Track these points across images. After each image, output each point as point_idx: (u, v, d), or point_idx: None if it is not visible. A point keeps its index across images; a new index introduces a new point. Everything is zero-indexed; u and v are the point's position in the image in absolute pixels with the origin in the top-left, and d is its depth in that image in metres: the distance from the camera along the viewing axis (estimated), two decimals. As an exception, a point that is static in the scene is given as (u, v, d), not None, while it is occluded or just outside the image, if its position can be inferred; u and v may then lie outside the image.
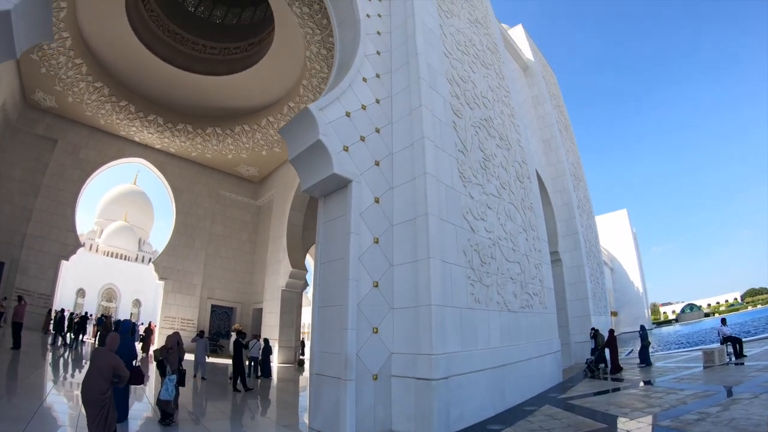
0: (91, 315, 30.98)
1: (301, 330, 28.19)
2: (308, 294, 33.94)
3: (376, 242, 10.18)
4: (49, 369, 14.60)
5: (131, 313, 67.15)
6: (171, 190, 29.78)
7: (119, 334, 7.17)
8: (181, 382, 9.55)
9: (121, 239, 78.66)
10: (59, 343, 21.62)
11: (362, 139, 10.89)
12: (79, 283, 64.19)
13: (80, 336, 23.00)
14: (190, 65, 24.83)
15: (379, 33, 13.69)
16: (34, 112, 25.58)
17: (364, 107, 11.39)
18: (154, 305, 25.62)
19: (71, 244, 25.35)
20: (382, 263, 10.15)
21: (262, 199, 31.69)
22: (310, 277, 25.88)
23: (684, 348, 29.24)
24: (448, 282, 9.98)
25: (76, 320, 23.56)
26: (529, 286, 14.52)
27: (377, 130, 11.49)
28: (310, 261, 31.73)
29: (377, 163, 11.01)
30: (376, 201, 10.58)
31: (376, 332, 9.54)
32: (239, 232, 31.49)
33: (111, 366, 6.38)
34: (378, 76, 12.58)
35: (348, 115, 10.73)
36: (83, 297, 64.81)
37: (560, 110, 33.40)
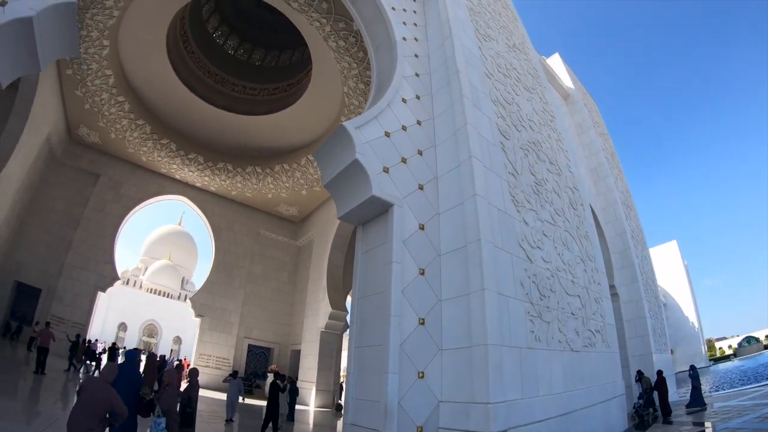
0: (102, 342, 30.28)
1: (341, 373, 26.83)
2: (346, 336, 32.60)
3: (422, 273, 8.82)
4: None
5: (171, 350, 67.92)
6: (211, 228, 29.33)
7: (125, 364, 6.19)
8: (187, 423, 8.42)
9: (165, 277, 79.67)
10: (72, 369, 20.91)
11: (404, 160, 9.70)
12: (121, 318, 65.83)
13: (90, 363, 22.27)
14: (231, 105, 24.72)
15: (416, 56, 12.77)
16: (78, 146, 26.04)
17: (404, 128, 10.26)
18: (193, 343, 25.14)
19: (108, 276, 25.25)
20: (428, 298, 8.75)
21: (302, 239, 30.78)
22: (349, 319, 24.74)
23: (754, 384, 26.27)
24: (505, 318, 8.49)
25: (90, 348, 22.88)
26: (590, 322, 12.81)
27: (420, 153, 10.29)
28: (350, 303, 30.44)
29: (421, 187, 9.76)
30: (421, 228, 9.28)
31: (422, 377, 8.08)
32: (278, 272, 30.55)
33: (104, 400, 5.34)
34: (418, 97, 11.51)
35: (387, 135, 9.62)
36: (125, 331, 66.15)
37: (605, 138, 31.74)
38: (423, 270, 8.88)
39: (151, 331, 69.08)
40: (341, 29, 17.08)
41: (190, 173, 27.81)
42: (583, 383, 11.44)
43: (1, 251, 22.30)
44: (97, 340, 25.67)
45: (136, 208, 27.41)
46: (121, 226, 26.56)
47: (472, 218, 8.88)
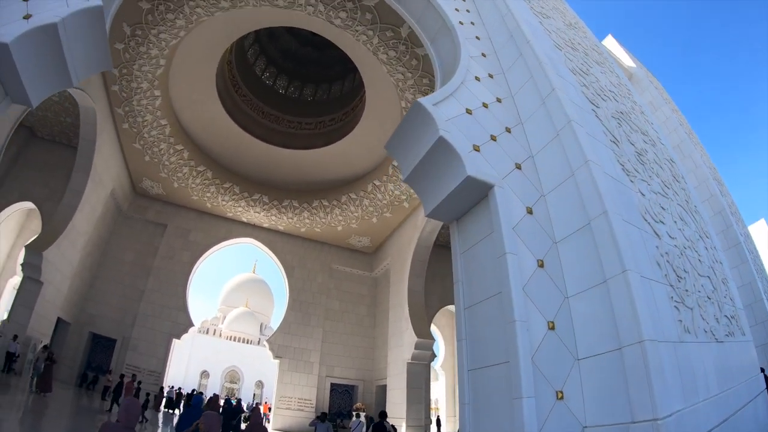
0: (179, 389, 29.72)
1: (431, 407, 24.72)
2: (435, 366, 30.47)
3: (541, 266, 6.98)
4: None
5: (254, 394, 67.77)
6: (282, 267, 28.27)
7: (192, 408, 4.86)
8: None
9: (243, 324, 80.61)
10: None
11: (493, 138, 8.07)
12: (203, 366, 66.18)
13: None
14: (289, 142, 24.02)
15: (478, 38, 11.49)
16: (143, 199, 26.28)
17: (485, 105, 8.68)
18: (274, 386, 24.49)
19: (183, 323, 24.89)
20: (553, 295, 6.84)
21: (378, 270, 29.07)
22: (437, 348, 22.89)
23: None
24: (652, 306, 6.47)
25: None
26: (725, 306, 10.34)
27: (508, 130, 8.63)
28: (435, 330, 28.64)
29: (518, 167, 8.05)
30: (529, 212, 7.50)
31: (561, 398, 6.13)
32: (356, 306, 28.91)
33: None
34: (491, 76, 10.02)
35: (469, 112, 8.05)
36: (207, 378, 66.42)
37: (678, 114, 28.93)
38: (542, 261, 7.03)
39: (232, 377, 69.55)
40: (389, 38, 15.86)
41: (257, 214, 27.04)
42: (732, 380, 9.08)
43: (76, 304, 22.61)
44: (172, 387, 25.15)
45: (206, 254, 27.10)
46: (192, 272, 26.21)
47: (590, 188, 7.04)
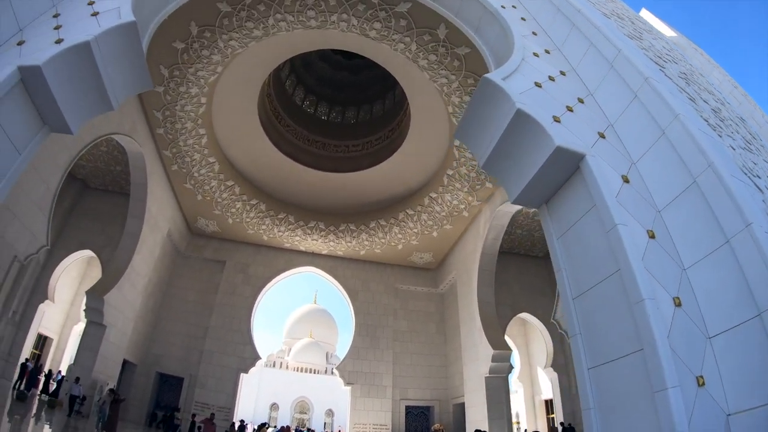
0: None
1: (513, 420, 23.29)
2: (510, 378, 28.77)
3: (652, 237, 6.15)
4: None
5: (324, 423, 67.60)
6: (346, 292, 27.79)
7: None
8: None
9: (309, 355, 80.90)
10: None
11: (569, 109, 7.40)
12: (272, 398, 66.72)
13: None
14: (338, 166, 23.80)
15: (523, 19, 11.00)
16: (199, 238, 26.83)
17: (552, 78, 8.06)
18: (346, 414, 23.96)
19: (249, 357, 24.93)
20: (670, 268, 5.97)
21: (444, 285, 27.95)
22: (513, 359, 21.62)
23: None
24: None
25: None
26: None
27: (580, 101, 7.92)
28: (508, 341, 27.34)
29: (602, 135, 7.30)
30: (626, 180, 6.70)
31: (703, 384, 5.22)
32: (425, 324, 27.89)
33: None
34: (547, 51, 9.55)
35: (538, 85, 7.44)
36: (277, 411, 66.79)
37: (730, 78, 26.90)
38: (651, 232, 6.20)
39: (302, 407, 69.64)
40: (428, 42, 15.35)
41: (314, 242, 26.79)
42: None
43: (141, 346, 23.13)
44: (242, 422, 24.95)
45: (267, 286, 27.10)
46: (255, 306, 26.27)
47: (688, 143, 6.25)
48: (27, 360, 20.22)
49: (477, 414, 21.23)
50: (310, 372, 77.90)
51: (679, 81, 9.26)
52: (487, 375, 20.68)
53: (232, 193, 23.43)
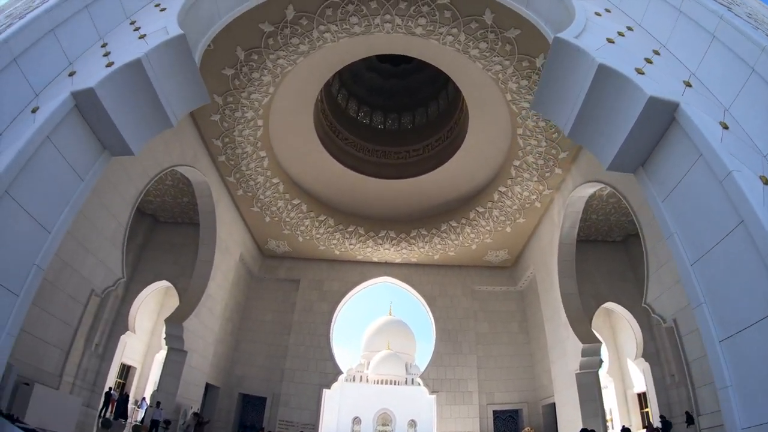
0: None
1: (606, 417, 21.60)
2: (600, 373, 26.81)
3: (766, 183, 5.28)
4: None
5: None
6: (423, 299, 27.23)
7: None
8: None
9: (388, 366, 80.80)
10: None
11: (648, 61, 6.68)
12: (354, 412, 66.80)
13: None
14: (401, 172, 23.48)
15: None
16: (271, 260, 27.37)
17: (621, 34, 7.40)
18: (429, 423, 23.29)
19: (331, 372, 24.98)
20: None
21: (522, 282, 26.81)
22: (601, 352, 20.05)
23: None
24: None
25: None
26: None
27: (656, 53, 7.16)
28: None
29: (688, 84, 6.50)
30: (724, 127, 5.87)
31: None
32: (507, 325, 26.78)
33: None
34: (608, 11, 8.80)
35: (611, 41, 6.79)
36: (359, 424, 66.89)
37: None
38: (765, 177, 5.33)
39: (384, 419, 69.27)
40: (476, 30, 14.69)
41: (387, 251, 26.42)
42: None
43: (223, 369, 23.76)
44: None
45: (343, 300, 27.09)
46: (333, 321, 26.34)
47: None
48: (111, 389, 21.02)
49: (569, 414, 19.97)
50: (391, 384, 77.76)
51: (749, 20, 8.22)
52: (578, 371, 19.38)
53: (300, 212, 23.58)
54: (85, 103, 6.53)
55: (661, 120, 6.00)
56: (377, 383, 77.07)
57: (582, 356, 19.05)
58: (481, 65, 16.03)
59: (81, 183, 6.77)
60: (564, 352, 20.54)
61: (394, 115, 25.67)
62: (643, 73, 6.05)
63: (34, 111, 6.28)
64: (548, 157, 18.60)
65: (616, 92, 6.08)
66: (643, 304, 15.51)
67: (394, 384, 77.81)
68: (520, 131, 18.22)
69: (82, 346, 19.26)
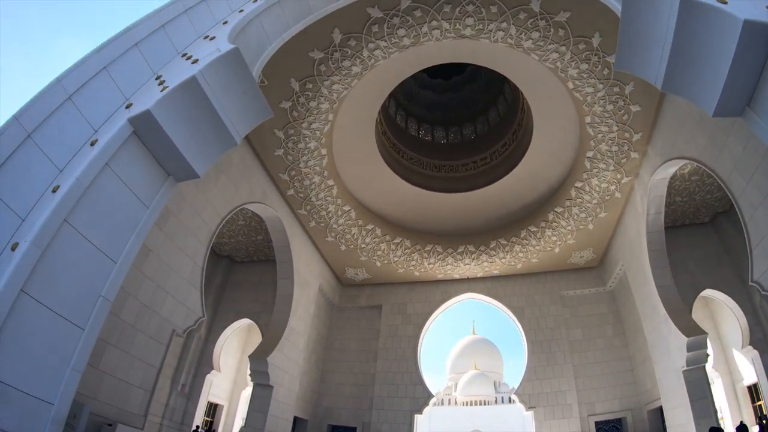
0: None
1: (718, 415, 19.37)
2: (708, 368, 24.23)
3: None
4: None
5: None
6: (510, 311, 26.03)
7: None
8: None
9: (476, 387, 79.10)
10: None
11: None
12: None
13: None
14: (472, 184, 23.04)
15: None
16: (351, 288, 27.30)
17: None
18: None
19: (421, 396, 24.08)
20: None
21: (612, 281, 24.96)
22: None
23: None
24: None
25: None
26: None
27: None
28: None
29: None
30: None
31: None
32: (601, 329, 24.95)
33: None
34: None
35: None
36: None
37: None
38: None
39: (476, 440, 66.70)
40: (525, 20, 14.22)
41: (467, 266, 25.65)
42: None
43: (310, 401, 23.76)
44: None
45: (428, 321, 26.41)
46: (419, 344, 25.68)
47: None
48: (198, 427, 21.41)
49: (680, 416, 18.11)
50: (480, 404, 75.69)
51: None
52: (685, 368, 17.59)
53: (375, 236, 23.51)
54: (143, 128, 6.56)
55: (761, 45, 5.26)
56: (466, 405, 75.38)
57: (687, 351, 17.32)
58: (537, 57, 15.46)
59: (146, 210, 6.77)
60: (668, 350, 18.81)
61: (455, 128, 25.53)
62: (725, 2, 5.36)
63: (92, 144, 6.33)
64: (621, 141, 17.51)
65: (705, 26, 5.43)
66: (750, 283, 13.83)
67: (484, 404, 75.76)
68: (588, 119, 17.29)
69: (169, 387, 19.84)
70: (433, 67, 21.97)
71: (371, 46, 14.90)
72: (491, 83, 24.47)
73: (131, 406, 12.77)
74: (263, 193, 18.90)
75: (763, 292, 13.13)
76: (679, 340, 17.59)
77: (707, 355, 17.91)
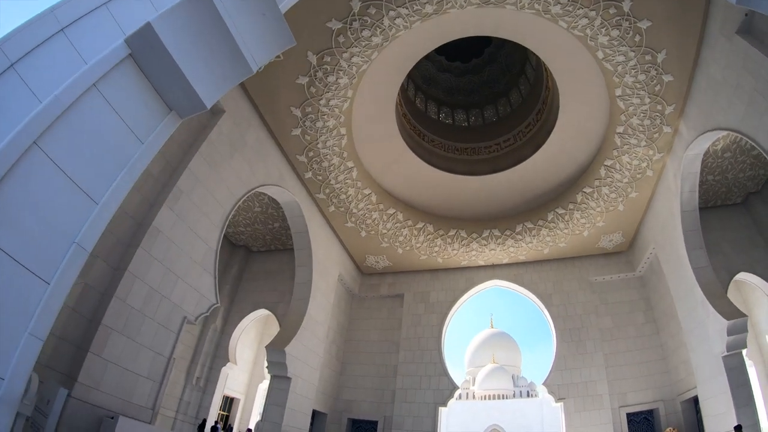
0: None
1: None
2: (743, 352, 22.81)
3: None
4: None
5: None
6: (538, 298, 24.86)
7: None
8: None
9: (495, 380, 78.10)
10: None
11: None
12: (462, 430, 64.02)
13: None
14: (496, 166, 22.16)
15: None
16: (371, 277, 26.44)
17: None
18: None
19: (446, 388, 23.04)
20: None
21: (642, 266, 23.67)
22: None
23: None
24: None
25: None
26: None
27: None
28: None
29: None
30: None
31: None
32: (631, 316, 23.67)
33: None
34: None
35: None
36: None
37: None
38: None
39: (495, 434, 65.75)
40: (612, 16, 13.67)
41: (492, 252, 24.61)
42: None
43: (330, 394, 22.93)
44: None
45: (452, 310, 25.37)
46: (443, 334, 24.66)
47: None
48: (215, 423, 20.91)
49: (718, 406, 17.01)
50: (499, 398, 74.57)
51: None
52: (725, 354, 16.51)
53: (396, 221, 22.70)
54: (142, 49, 5.58)
55: None
56: (485, 398, 74.27)
57: (728, 335, 16.26)
58: (565, 24, 14.55)
59: (140, 146, 5.67)
60: (706, 335, 17.72)
61: (475, 111, 24.81)
62: None
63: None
64: (654, 114, 16.53)
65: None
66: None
67: (503, 398, 74.72)
68: (618, 92, 16.31)
69: (184, 380, 19.58)
70: (451, 49, 21.38)
71: (392, 14, 14.11)
72: (512, 65, 23.68)
73: (138, 397, 11.75)
74: (280, 176, 18.23)
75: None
76: (718, 324, 16.55)
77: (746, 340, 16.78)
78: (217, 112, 14.64)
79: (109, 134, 5.49)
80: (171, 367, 13.36)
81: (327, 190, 20.30)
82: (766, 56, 11.29)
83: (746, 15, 11.64)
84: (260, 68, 6.96)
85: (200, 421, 19.82)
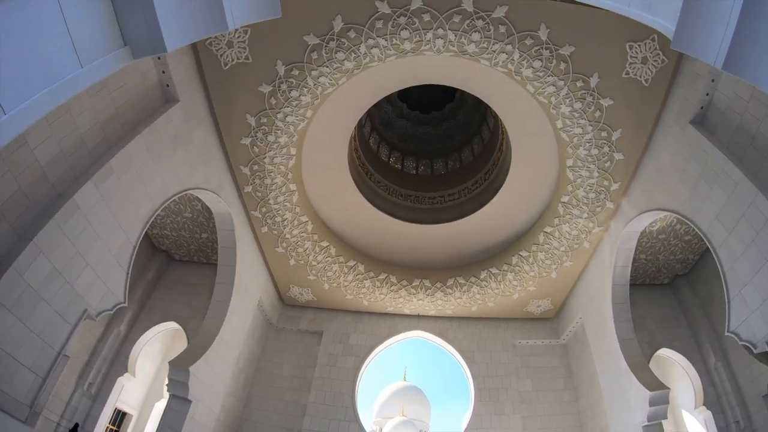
0: None
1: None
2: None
3: None
4: None
5: None
6: (459, 354, 24.14)
7: None
8: None
9: None
10: None
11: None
12: None
13: None
14: (437, 217, 21.84)
15: None
16: (292, 309, 24.84)
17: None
18: None
19: None
20: None
21: (566, 334, 23.80)
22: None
23: None
24: None
25: None
26: None
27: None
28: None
29: None
30: None
31: None
32: (551, 382, 23.48)
33: None
34: None
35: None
36: None
37: None
38: None
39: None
40: (531, 46, 13.67)
41: (420, 302, 23.89)
42: None
43: (230, 426, 20.71)
44: None
45: (371, 356, 24.18)
46: (358, 379, 23.35)
47: None
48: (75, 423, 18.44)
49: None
50: (404, 451, 72.51)
51: None
52: (646, 423, 16.51)
53: (328, 255, 21.68)
54: None
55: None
56: (390, 451, 71.93)
57: (650, 405, 16.39)
58: (533, 88, 14.87)
59: (77, 69, 4.65)
60: (627, 405, 17.86)
61: (426, 161, 24.97)
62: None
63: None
64: (600, 189, 17.06)
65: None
66: (726, 333, 13.26)
67: (408, 452, 72.58)
68: (570, 162, 16.77)
69: (74, 383, 17.35)
70: (413, 98, 21.30)
71: (371, 42, 13.87)
72: (469, 124, 24.25)
73: (15, 390, 9.93)
74: (219, 184, 17.07)
75: (741, 342, 12.56)
76: (641, 394, 16.76)
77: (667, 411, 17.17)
78: (170, 100, 13.53)
79: (48, 43, 4.38)
80: (61, 365, 11.43)
81: (264, 209, 19.13)
82: (716, 146, 11.99)
83: (702, 108, 12.35)
84: (236, 27, 5.93)
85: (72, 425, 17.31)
